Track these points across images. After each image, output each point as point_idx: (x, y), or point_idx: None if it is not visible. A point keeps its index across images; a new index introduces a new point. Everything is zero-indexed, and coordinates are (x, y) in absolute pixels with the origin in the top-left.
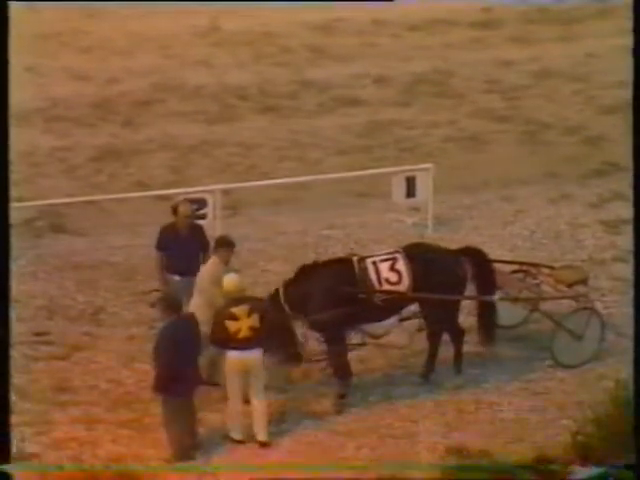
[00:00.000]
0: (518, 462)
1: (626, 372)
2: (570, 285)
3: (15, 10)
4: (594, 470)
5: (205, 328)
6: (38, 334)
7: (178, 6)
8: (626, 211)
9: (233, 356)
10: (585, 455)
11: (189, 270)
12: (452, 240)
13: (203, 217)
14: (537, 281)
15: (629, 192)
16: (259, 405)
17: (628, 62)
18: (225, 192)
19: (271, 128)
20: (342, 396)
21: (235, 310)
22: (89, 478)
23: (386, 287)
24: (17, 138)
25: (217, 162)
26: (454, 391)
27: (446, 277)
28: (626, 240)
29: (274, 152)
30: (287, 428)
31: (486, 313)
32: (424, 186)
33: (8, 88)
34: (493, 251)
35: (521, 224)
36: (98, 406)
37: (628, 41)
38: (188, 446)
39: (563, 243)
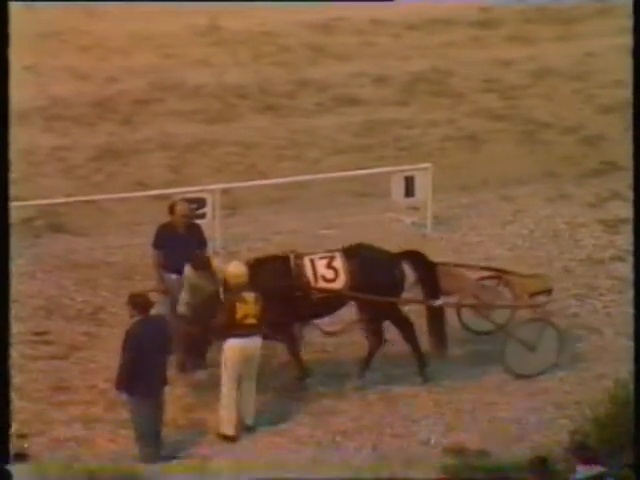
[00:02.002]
0: (517, 462)
1: (625, 371)
2: (532, 295)
3: (14, 9)
4: (593, 470)
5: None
6: (37, 334)
7: (177, 5)
8: (625, 210)
9: (234, 343)
10: (584, 455)
11: None
12: (450, 239)
13: (202, 216)
14: (507, 288)
15: (628, 192)
16: (249, 389)
17: (627, 61)
18: (224, 191)
19: (270, 127)
20: (301, 378)
21: (246, 295)
22: (88, 478)
23: (322, 284)
24: (16, 137)
25: (216, 161)
26: (453, 390)
27: (383, 278)
28: (625, 239)
29: (273, 151)
30: (286, 427)
31: (435, 318)
32: (423, 185)
33: (8, 87)
34: (492, 250)
35: (520, 223)
36: (97, 405)
37: (627, 40)
38: (151, 448)
39: (562, 242)
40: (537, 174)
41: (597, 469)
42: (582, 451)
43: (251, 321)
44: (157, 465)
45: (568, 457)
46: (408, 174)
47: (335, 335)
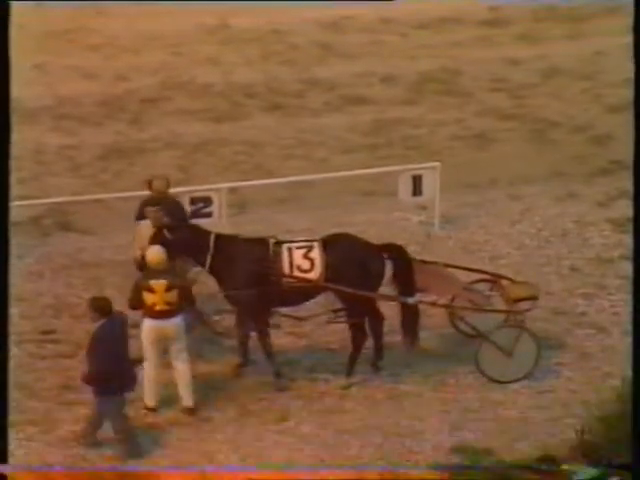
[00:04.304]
0: (523, 461)
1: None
2: (516, 301)
3: (23, 8)
4: (599, 469)
5: None
6: (44, 332)
7: (186, 4)
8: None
9: (148, 324)
10: (591, 454)
11: None
12: (458, 238)
13: (209, 215)
14: (498, 293)
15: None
16: (182, 370)
17: None
18: (231, 190)
19: (278, 126)
20: (278, 374)
21: (153, 283)
22: (91, 478)
23: (297, 273)
24: (24, 136)
25: (223, 160)
26: (459, 389)
27: (361, 270)
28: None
29: (280, 150)
30: (291, 426)
31: (407, 315)
32: (431, 184)
33: (9, 87)
34: (500, 249)
35: (528, 222)
36: None
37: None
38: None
39: (570, 241)
40: (546, 173)
41: (602, 468)
42: (588, 450)
43: (161, 308)
44: (160, 465)
45: (574, 456)
46: (416, 173)
47: (306, 320)
